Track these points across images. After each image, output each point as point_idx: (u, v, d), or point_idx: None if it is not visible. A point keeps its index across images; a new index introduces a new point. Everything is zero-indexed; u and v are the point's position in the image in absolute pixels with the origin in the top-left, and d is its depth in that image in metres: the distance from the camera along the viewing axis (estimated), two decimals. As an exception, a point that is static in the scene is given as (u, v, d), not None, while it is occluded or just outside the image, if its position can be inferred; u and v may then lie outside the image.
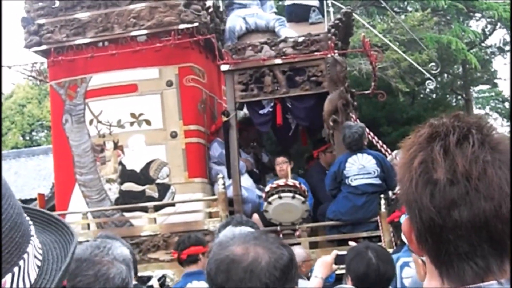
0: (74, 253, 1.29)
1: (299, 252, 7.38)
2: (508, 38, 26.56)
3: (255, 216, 8.86)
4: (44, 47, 10.07)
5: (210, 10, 9.92)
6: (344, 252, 4.53)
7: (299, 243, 8.68)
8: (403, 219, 4.52)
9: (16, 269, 1.16)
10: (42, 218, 1.35)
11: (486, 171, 1.28)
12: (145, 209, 9.32)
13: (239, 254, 2.12)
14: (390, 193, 8.84)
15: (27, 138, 34.72)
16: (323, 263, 4.62)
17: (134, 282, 3.98)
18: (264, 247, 2.15)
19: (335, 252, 4.70)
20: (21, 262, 1.17)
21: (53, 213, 1.39)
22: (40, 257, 1.23)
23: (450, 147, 1.30)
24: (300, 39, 9.39)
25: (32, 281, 1.19)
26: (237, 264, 2.10)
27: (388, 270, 4.25)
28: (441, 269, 1.33)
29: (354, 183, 8.67)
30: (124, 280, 2.90)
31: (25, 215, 1.23)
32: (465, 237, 1.28)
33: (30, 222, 1.24)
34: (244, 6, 10.15)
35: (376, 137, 9.41)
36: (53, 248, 1.28)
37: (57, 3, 10.22)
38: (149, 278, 4.86)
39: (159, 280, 4.90)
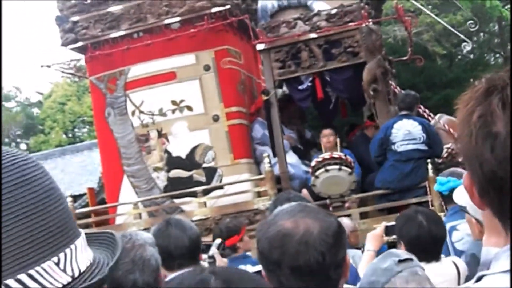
0: (121, 249, 1.35)
1: (346, 223, 7.41)
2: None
3: (304, 191, 8.89)
4: (80, 43, 10.18)
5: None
6: (393, 223, 4.55)
7: (349, 215, 8.70)
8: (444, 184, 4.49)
9: (68, 251, 1.20)
10: (94, 238, 1.39)
11: None
12: (194, 194, 9.39)
13: (290, 227, 2.15)
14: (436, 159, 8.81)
15: (70, 135, 35.09)
16: (374, 236, 4.64)
17: None
18: (312, 218, 2.18)
19: (383, 223, 4.71)
20: (72, 246, 1.22)
21: (104, 230, 1.44)
22: (91, 259, 1.27)
23: (508, 99, 1.31)
24: (333, 11, 9.36)
25: (82, 269, 1.23)
26: (290, 238, 2.12)
27: (440, 231, 4.26)
28: (505, 222, 1.33)
29: (400, 149, 8.64)
30: (157, 261, 2.98)
31: (75, 223, 1.27)
32: None
33: (83, 235, 1.29)
34: None
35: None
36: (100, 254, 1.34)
37: (89, -1, 10.32)
38: (208, 246, 4.90)
39: (218, 248, 4.94)
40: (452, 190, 5.16)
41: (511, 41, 18.96)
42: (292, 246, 2.11)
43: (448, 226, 5.37)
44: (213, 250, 4.92)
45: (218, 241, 5.04)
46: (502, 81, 1.33)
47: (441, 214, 6.59)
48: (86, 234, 1.32)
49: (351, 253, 5.49)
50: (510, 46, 18.96)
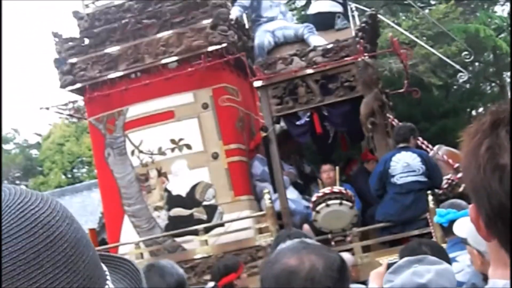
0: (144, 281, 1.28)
1: (347, 257, 7.39)
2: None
3: (306, 227, 8.90)
4: (78, 85, 10.24)
5: (236, 27, 9.99)
6: (395, 259, 4.55)
7: (351, 249, 8.70)
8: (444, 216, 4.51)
9: None
10: (112, 263, 1.32)
11: None
12: (195, 232, 9.37)
13: (295, 265, 2.16)
14: (436, 190, 8.82)
15: (69, 175, 35.07)
16: (376, 274, 4.65)
17: None
18: (316, 254, 2.20)
19: (385, 261, 4.72)
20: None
21: (124, 257, 1.36)
22: None
23: None
24: (329, 47, 9.43)
25: None
26: (296, 275, 2.14)
27: (444, 261, 4.27)
28: None
29: (399, 182, 8.67)
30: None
31: (101, 265, 1.20)
32: None
33: (107, 272, 1.22)
34: (271, 19, 10.22)
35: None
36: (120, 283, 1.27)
37: (87, 41, 10.39)
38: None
39: None
40: (451, 222, 5.20)
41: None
42: (298, 283, 2.12)
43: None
44: None
45: (211, 284, 5.04)
46: (508, 114, 1.35)
47: (443, 245, 6.60)
48: (106, 258, 1.30)
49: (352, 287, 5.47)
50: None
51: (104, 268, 1.22)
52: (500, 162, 1.31)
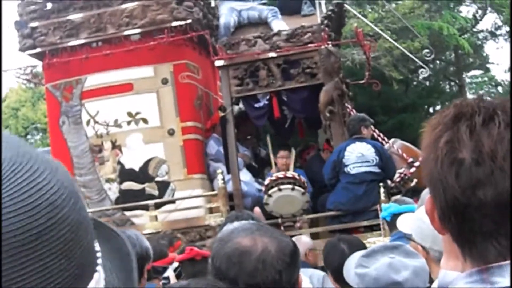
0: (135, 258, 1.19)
1: (306, 241, 7.42)
2: (499, 23, 26.60)
3: (257, 210, 8.90)
4: (38, 50, 10.07)
5: (202, 4, 9.92)
6: None
7: (300, 235, 8.72)
8: (386, 210, 4.56)
9: (96, 275, 1.07)
10: (104, 234, 1.22)
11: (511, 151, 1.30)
12: (146, 207, 9.33)
13: (248, 245, 2.16)
14: (389, 182, 8.90)
15: (23, 141, 34.61)
16: None
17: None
18: (269, 237, 2.20)
19: None
20: (98, 268, 1.08)
21: (98, 219, 1.23)
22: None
23: (476, 127, 1.31)
24: (293, 32, 9.42)
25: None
26: (248, 255, 2.13)
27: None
28: (463, 248, 1.35)
29: (353, 171, 8.72)
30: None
31: (94, 247, 1.10)
32: (489, 216, 1.29)
33: (99, 254, 1.11)
34: None
35: (372, 126, 9.46)
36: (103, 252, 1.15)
37: (49, 6, 10.23)
38: (164, 268, 4.85)
39: (175, 270, 4.88)
40: (395, 216, 5.28)
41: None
42: (250, 264, 2.12)
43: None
44: (170, 273, 4.90)
45: (175, 264, 5.01)
46: (471, 109, 1.35)
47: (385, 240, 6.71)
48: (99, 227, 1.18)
49: (309, 272, 5.46)
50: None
51: (97, 248, 1.10)
52: (458, 157, 1.30)
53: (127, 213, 9.57)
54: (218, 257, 2.20)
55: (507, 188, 1.28)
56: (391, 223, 5.48)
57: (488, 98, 1.39)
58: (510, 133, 1.31)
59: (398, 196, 6.16)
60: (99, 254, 1.09)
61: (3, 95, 35.67)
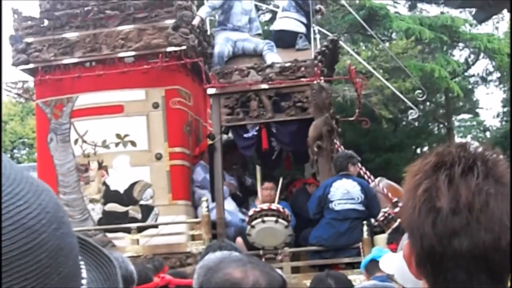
0: (121, 277, 1.17)
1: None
2: (491, 68, 26.80)
3: (239, 240, 8.89)
4: (31, 65, 10.08)
5: (198, 32, 9.95)
6: None
7: (281, 268, 8.70)
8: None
9: None
10: (90, 254, 1.20)
11: (488, 203, 1.31)
12: (128, 230, 9.30)
13: (239, 277, 2.14)
14: (372, 220, 8.92)
15: (8, 155, 34.52)
16: None
17: None
18: (260, 270, 2.18)
19: None
20: None
21: (94, 243, 1.23)
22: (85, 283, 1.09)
23: (455, 177, 1.33)
24: (287, 65, 9.47)
25: None
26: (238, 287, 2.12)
27: None
28: None
29: (337, 208, 8.73)
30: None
31: (79, 272, 1.07)
32: (463, 267, 1.31)
33: (84, 275, 1.09)
34: (237, 29, 10.21)
35: (359, 164, 9.50)
36: (88, 271, 1.13)
37: (46, 22, 10.25)
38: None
39: None
40: (371, 261, 5.38)
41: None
42: None
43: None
44: None
45: None
46: (451, 158, 1.37)
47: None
48: (85, 247, 1.17)
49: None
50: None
51: (83, 274, 1.08)
52: (435, 205, 1.32)
53: (109, 235, 9.53)
54: (208, 285, 2.19)
55: (482, 240, 1.30)
56: (369, 270, 5.61)
57: (472, 146, 1.41)
58: (448, 179, 1.33)
59: (382, 236, 6.24)
60: (84, 282, 1.07)
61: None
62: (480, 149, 1.40)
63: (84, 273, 1.08)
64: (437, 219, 1.32)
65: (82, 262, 1.09)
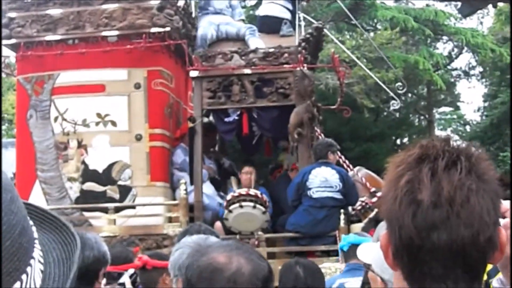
0: (80, 257, 1.19)
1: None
2: (473, 63, 26.92)
3: (218, 224, 8.89)
4: (13, 40, 9.99)
5: (183, 13, 9.91)
6: None
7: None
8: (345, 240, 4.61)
9: (24, 277, 1.07)
10: (38, 215, 1.24)
11: (469, 198, 1.32)
12: (105, 210, 9.28)
13: (222, 262, 2.12)
14: (350, 208, 8.95)
15: (-13, 130, 34.30)
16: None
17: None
18: (246, 258, 2.15)
19: None
20: (28, 269, 1.08)
21: (49, 210, 1.27)
22: (42, 260, 1.14)
23: (438, 170, 1.33)
24: (271, 50, 9.45)
25: (38, 287, 1.10)
26: (220, 273, 2.09)
27: (316, 283, 4.36)
28: (412, 286, 1.37)
29: (315, 195, 8.75)
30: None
31: (25, 250, 1.10)
32: (440, 260, 1.31)
33: (32, 223, 1.14)
34: (218, 12, 10.19)
35: (339, 152, 9.51)
36: (53, 249, 1.19)
37: (30, -2, 10.17)
38: (120, 274, 4.79)
39: (130, 277, 4.83)
40: (352, 246, 5.36)
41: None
42: (220, 282, 2.08)
43: (337, 282, 5.53)
44: (125, 279, 4.84)
45: (132, 270, 4.95)
46: (435, 151, 1.37)
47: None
48: (43, 216, 1.20)
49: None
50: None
51: (35, 253, 1.11)
52: (417, 197, 1.32)
53: (86, 214, 9.50)
54: (191, 268, 2.17)
55: (461, 235, 1.30)
56: (347, 253, 5.56)
57: (455, 142, 1.41)
58: (431, 173, 1.33)
59: (359, 231, 6.28)
60: (36, 253, 1.10)
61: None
62: (464, 145, 1.41)
63: (37, 249, 1.11)
64: (417, 211, 1.32)
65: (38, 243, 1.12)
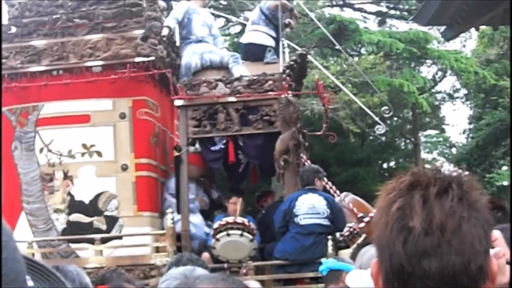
0: None
1: (256, 286, 7.37)
2: (458, 86, 27.09)
3: (205, 255, 8.85)
4: (-3, 72, 9.97)
5: (167, 42, 9.92)
6: None
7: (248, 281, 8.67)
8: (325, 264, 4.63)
9: None
10: (27, 264, 1.22)
11: (461, 226, 1.31)
12: (92, 241, 9.22)
13: None
14: (337, 234, 8.93)
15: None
16: None
17: None
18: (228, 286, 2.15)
19: None
20: None
21: (44, 264, 1.27)
22: None
23: (430, 198, 1.33)
24: (255, 78, 9.47)
25: None
26: None
27: None
28: None
29: (302, 222, 8.73)
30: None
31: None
32: (431, 287, 1.31)
33: (28, 277, 1.14)
34: (200, 40, 10.22)
35: (325, 178, 9.51)
36: None
37: (14, 29, 10.16)
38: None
39: None
40: (330, 271, 5.42)
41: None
42: None
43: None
44: None
45: None
46: (427, 179, 1.37)
47: None
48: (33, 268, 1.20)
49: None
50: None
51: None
52: (408, 224, 1.32)
53: (73, 245, 9.44)
54: None
55: (452, 262, 1.29)
56: (326, 278, 5.62)
57: (446, 170, 1.41)
58: (423, 200, 1.33)
59: (342, 257, 6.28)
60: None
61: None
62: (455, 173, 1.41)
63: None
64: (408, 238, 1.31)
65: (31, 284, 1.12)
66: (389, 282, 1.37)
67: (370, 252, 3.54)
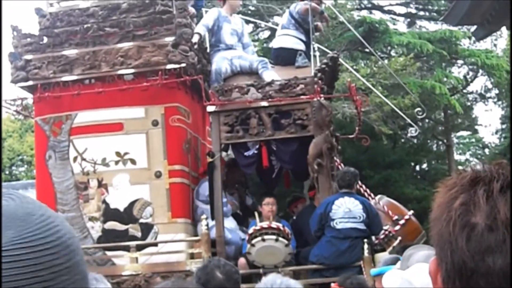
0: None
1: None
2: (489, 85, 26.85)
3: (242, 261, 8.84)
4: (30, 82, 10.06)
5: (197, 49, 9.94)
6: None
7: None
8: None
9: None
10: None
11: None
12: (127, 248, 9.26)
13: None
14: (373, 238, 8.87)
15: (7, 172, 34.45)
16: None
17: None
18: None
19: None
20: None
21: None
22: None
23: (494, 193, 1.29)
24: (286, 82, 9.45)
25: None
26: None
27: None
28: None
29: (338, 226, 8.69)
30: None
31: None
32: (495, 284, 1.27)
33: None
34: (229, 47, 10.24)
35: (359, 181, 9.47)
36: None
37: (45, 40, 10.24)
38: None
39: None
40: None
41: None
42: None
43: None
44: None
45: None
46: (490, 174, 1.34)
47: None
48: None
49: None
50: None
51: None
52: (471, 220, 1.29)
53: (108, 253, 9.48)
54: None
55: None
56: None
57: (507, 166, 1.38)
58: (486, 195, 1.30)
59: (383, 254, 6.18)
60: None
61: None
62: None
63: None
64: (472, 235, 1.27)
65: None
66: (450, 280, 1.33)
67: (419, 254, 3.48)
